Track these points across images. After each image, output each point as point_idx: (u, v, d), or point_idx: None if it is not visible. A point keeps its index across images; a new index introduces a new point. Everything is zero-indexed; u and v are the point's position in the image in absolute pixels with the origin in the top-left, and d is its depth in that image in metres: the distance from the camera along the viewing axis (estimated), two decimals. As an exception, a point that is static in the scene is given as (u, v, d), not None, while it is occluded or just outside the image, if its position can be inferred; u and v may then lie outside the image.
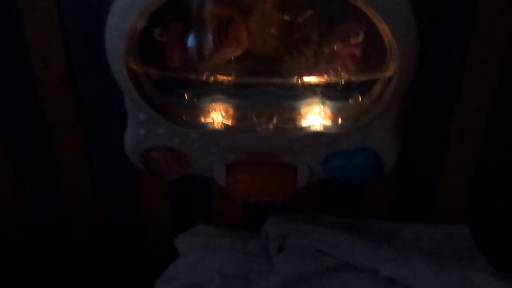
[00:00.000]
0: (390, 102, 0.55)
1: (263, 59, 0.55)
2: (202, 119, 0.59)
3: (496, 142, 0.74)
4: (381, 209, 0.81)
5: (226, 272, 0.75)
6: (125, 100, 0.59)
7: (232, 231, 0.83)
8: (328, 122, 0.58)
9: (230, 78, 0.56)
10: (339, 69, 0.54)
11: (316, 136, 0.58)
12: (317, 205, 0.82)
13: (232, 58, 0.54)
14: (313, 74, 0.55)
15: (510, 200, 0.79)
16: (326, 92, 0.57)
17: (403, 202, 0.81)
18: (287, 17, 0.52)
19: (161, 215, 0.83)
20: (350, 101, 0.57)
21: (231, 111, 0.59)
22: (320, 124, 0.58)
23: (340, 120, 0.58)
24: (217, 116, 0.59)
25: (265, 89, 0.57)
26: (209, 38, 0.52)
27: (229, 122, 0.59)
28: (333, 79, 0.55)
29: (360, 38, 0.52)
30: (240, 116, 0.59)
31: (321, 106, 0.58)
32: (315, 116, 0.59)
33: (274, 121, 0.58)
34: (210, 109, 0.59)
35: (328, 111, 0.58)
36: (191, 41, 0.53)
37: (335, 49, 0.53)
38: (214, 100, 0.58)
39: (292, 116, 0.59)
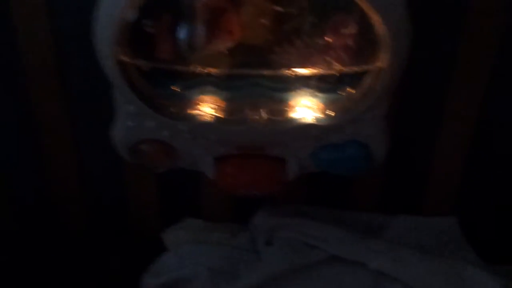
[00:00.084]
0: (381, 94, 0.55)
1: (254, 51, 0.54)
2: (192, 112, 0.58)
3: (485, 135, 0.74)
4: (370, 202, 0.82)
5: (214, 266, 0.74)
6: (113, 92, 0.58)
7: (220, 225, 0.83)
8: (319, 114, 0.58)
9: (220, 70, 0.55)
10: (331, 60, 0.54)
11: (306, 128, 0.58)
12: (306, 198, 0.82)
13: (224, 50, 0.54)
14: (304, 66, 0.55)
15: (498, 192, 0.79)
16: (317, 84, 0.57)
17: (392, 195, 0.81)
18: (278, 8, 0.52)
19: (149, 209, 0.83)
20: (341, 93, 0.57)
21: (221, 103, 0.59)
22: (311, 116, 0.58)
23: (330, 112, 0.58)
24: (207, 108, 0.58)
25: (256, 81, 0.57)
26: (201, 29, 0.52)
27: (219, 115, 0.58)
28: (324, 71, 0.55)
29: (352, 29, 0.52)
30: (230, 109, 0.59)
31: (312, 98, 0.58)
32: (306, 108, 0.59)
33: (264, 113, 0.58)
34: (199, 102, 0.58)
35: (319, 103, 0.58)
36: (182, 32, 0.53)
37: (327, 40, 0.53)
38: (204, 92, 0.58)
39: (282, 108, 0.59)
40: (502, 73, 0.68)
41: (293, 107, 0.59)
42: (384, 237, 0.77)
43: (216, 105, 0.59)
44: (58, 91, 0.71)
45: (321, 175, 0.67)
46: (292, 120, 0.58)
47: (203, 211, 0.83)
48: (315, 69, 0.55)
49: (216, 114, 0.58)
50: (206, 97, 0.58)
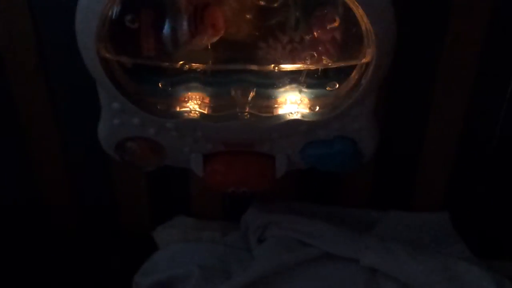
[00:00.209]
0: (367, 89, 0.54)
1: (239, 46, 0.54)
2: (178, 109, 0.58)
3: (474, 129, 0.74)
4: (361, 198, 0.81)
5: (206, 264, 0.74)
6: (97, 89, 0.58)
7: (211, 223, 0.82)
8: (305, 110, 0.58)
9: (205, 66, 0.55)
10: (316, 55, 0.54)
11: (293, 124, 0.58)
12: (296, 195, 0.81)
13: (208, 45, 0.53)
14: (289, 61, 0.54)
15: (489, 186, 0.79)
16: (303, 80, 0.57)
17: (383, 191, 0.81)
18: (262, 2, 0.51)
19: (139, 207, 0.83)
20: (328, 88, 0.57)
21: (207, 99, 0.58)
22: (297, 112, 0.58)
23: (317, 108, 0.58)
24: (193, 105, 0.58)
25: (242, 77, 0.56)
26: (184, 24, 0.51)
27: (205, 111, 0.58)
28: (310, 66, 0.54)
29: (337, 24, 0.52)
30: (216, 105, 0.58)
31: (298, 93, 0.58)
32: (293, 104, 0.58)
33: (250, 109, 0.57)
34: (185, 98, 0.58)
35: (305, 99, 0.58)
36: (165, 27, 0.52)
37: (312, 35, 0.53)
38: (189, 89, 0.57)
39: (269, 104, 0.58)
40: (489, 65, 0.68)
41: (280, 103, 0.58)
42: (376, 233, 0.77)
43: (202, 101, 0.58)
44: (43, 90, 0.71)
45: (310, 172, 0.67)
46: (279, 117, 0.58)
47: (193, 209, 0.83)
48: (300, 64, 0.54)
49: (203, 111, 0.58)
50: (192, 94, 0.58)
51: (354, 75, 0.55)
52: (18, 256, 0.80)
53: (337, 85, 0.56)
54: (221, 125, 0.58)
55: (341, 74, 0.56)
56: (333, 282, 0.71)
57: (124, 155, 0.64)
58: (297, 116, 0.58)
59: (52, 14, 0.65)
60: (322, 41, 0.53)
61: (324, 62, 0.54)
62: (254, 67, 0.55)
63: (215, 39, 0.53)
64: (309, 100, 0.58)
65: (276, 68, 0.54)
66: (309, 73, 0.56)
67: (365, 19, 0.49)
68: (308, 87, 0.57)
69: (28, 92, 0.71)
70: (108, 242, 0.84)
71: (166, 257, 0.77)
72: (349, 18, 0.51)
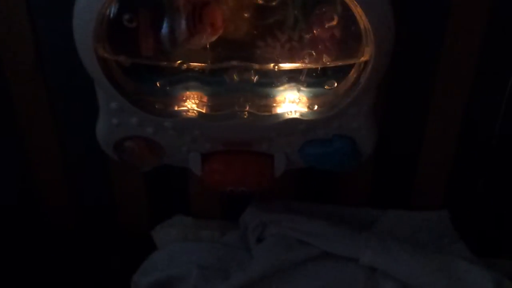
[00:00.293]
0: (366, 87, 0.54)
1: (237, 45, 0.54)
2: (176, 108, 0.58)
3: (474, 128, 0.74)
4: (360, 197, 0.81)
5: (205, 264, 0.74)
6: (96, 89, 0.58)
7: (210, 222, 0.82)
8: (304, 109, 0.58)
9: (203, 65, 0.55)
10: (314, 54, 0.53)
11: (292, 123, 0.58)
12: (295, 194, 0.81)
13: (207, 45, 0.53)
14: (288, 60, 0.54)
15: (489, 185, 0.79)
16: (301, 79, 0.56)
17: (382, 189, 0.80)
18: (260, 1, 0.51)
19: (137, 206, 0.82)
20: (326, 87, 0.57)
21: (205, 99, 0.58)
22: (296, 110, 0.58)
23: (316, 107, 0.58)
24: (191, 104, 0.58)
25: (240, 76, 0.56)
26: (183, 23, 0.51)
27: (204, 110, 0.58)
28: (309, 65, 0.54)
29: (335, 22, 0.52)
30: (214, 104, 0.58)
31: (297, 92, 0.57)
32: (291, 103, 0.58)
33: (249, 108, 0.57)
34: (183, 97, 0.58)
35: (304, 98, 0.58)
36: (163, 27, 0.52)
37: (310, 34, 0.53)
38: (187, 88, 0.57)
39: (267, 103, 0.58)
40: (488, 65, 0.68)
41: (278, 102, 0.58)
42: (375, 232, 0.77)
43: (201, 100, 0.58)
44: (41, 89, 0.71)
45: (309, 171, 0.67)
46: (277, 115, 0.58)
47: (192, 208, 0.82)
48: (298, 63, 0.54)
49: (201, 110, 0.58)
50: (190, 93, 0.58)
51: (353, 73, 0.55)
52: (17, 257, 0.80)
53: (336, 84, 0.56)
54: (220, 124, 0.58)
55: (339, 72, 0.56)
56: (333, 281, 0.71)
57: (123, 154, 0.63)
58: (295, 115, 0.57)
59: (50, 13, 0.65)
60: (321, 39, 0.53)
61: (323, 61, 0.54)
62: (252, 67, 0.55)
63: (214, 38, 0.52)
64: (308, 99, 0.58)
65: (276, 67, 0.54)
66: (307, 72, 0.56)
67: (364, 17, 0.49)
68: (306, 85, 0.57)
69: (26, 92, 0.71)
70: (107, 241, 0.84)
71: (165, 256, 0.76)
72: (347, 17, 0.51)
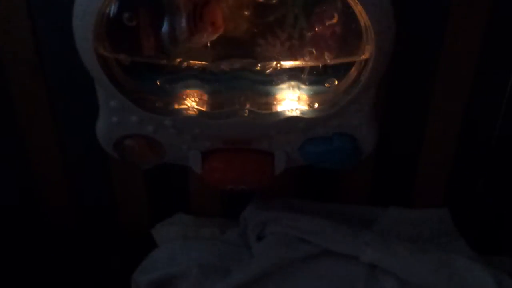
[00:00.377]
0: (366, 85, 0.54)
1: (238, 43, 0.54)
2: (176, 106, 0.58)
3: (474, 126, 0.74)
4: (360, 195, 0.81)
5: (205, 262, 0.74)
6: (96, 87, 0.58)
7: (210, 220, 0.82)
8: (304, 107, 0.58)
9: (203, 63, 0.55)
10: (315, 52, 0.53)
11: (292, 121, 0.58)
12: (295, 192, 0.81)
13: (207, 43, 0.53)
14: (288, 58, 0.54)
15: (489, 183, 0.79)
16: (302, 77, 0.57)
17: (382, 187, 0.80)
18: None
19: (137, 205, 0.82)
20: (327, 85, 0.57)
21: (205, 97, 0.58)
22: (296, 109, 0.58)
23: (316, 105, 0.58)
24: (191, 102, 0.58)
25: (240, 74, 0.56)
26: (183, 22, 0.51)
27: (204, 108, 0.58)
28: (309, 63, 0.54)
29: (335, 20, 0.52)
30: (214, 102, 0.58)
31: (297, 90, 0.58)
32: (292, 101, 0.58)
33: (249, 106, 0.57)
34: (183, 96, 0.58)
35: (304, 96, 0.58)
36: (164, 25, 0.52)
37: (311, 32, 0.53)
38: (187, 86, 0.57)
39: (268, 101, 0.58)
40: (488, 64, 0.68)
41: (278, 100, 0.58)
42: (375, 229, 0.77)
43: (201, 99, 0.58)
44: (41, 88, 0.71)
45: (309, 169, 0.66)
46: (277, 113, 0.58)
47: (192, 206, 0.82)
48: (299, 61, 0.54)
49: (201, 108, 0.58)
50: (190, 91, 0.58)
51: (353, 71, 0.55)
52: (17, 256, 0.80)
53: (336, 82, 0.56)
54: (220, 123, 0.58)
55: (340, 70, 0.56)
56: (333, 279, 0.71)
57: (123, 153, 0.63)
58: (296, 113, 0.57)
59: (50, 12, 0.65)
60: (321, 38, 0.53)
61: (323, 59, 0.54)
62: (252, 65, 0.55)
63: (214, 36, 0.52)
64: (308, 97, 0.58)
65: (279, 65, 0.54)
66: (307, 70, 0.56)
67: (364, 15, 0.49)
68: (307, 84, 0.57)
69: (26, 91, 0.71)
70: (107, 241, 0.84)
71: (165, 255, 0.76)
72: (348, 15, 0.51)
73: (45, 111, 0.73)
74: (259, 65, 0.54)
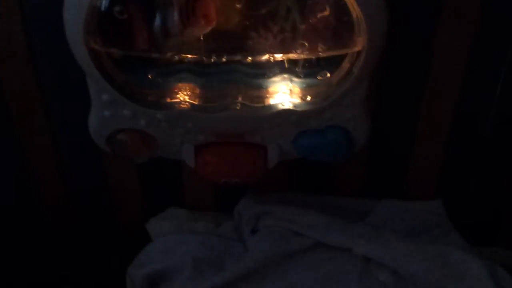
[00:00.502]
0: (359, 77, 0.54)
1: (230, 37, 0.54)
2: (168, 100, 0.57)
3: (468, 118, 0.74)
4: (354, 187, 0.81)
5: (199, 255, 0.74)
6: (87, 82, 0.57)
7: (204, 214, 0.82)
8: (297, 100, 0.58)
9: (195, 57, 0.54)
10: (307, 45, 0.53)
11: (285, 114, 0.58)
12: (289, 185, 0.81)
13: (200, 36, 0.53)
14: (280, 51, 0.54)
15: (482, 175, 0.79)
16: (294, 69, 0.56)
17: (376, 180, 0.81)
18: (253, -9, 0.51)
19: (131, 199, 0.82)
20: (319, 77, 0.56)
21: (197, 90, 0.58)
22: (289, 101, 0.58)
23: (309, 97, 0.58)
24: (184, 96, 0.58)
25: (233, 67, 0.56)
26: (176, 15, 0.51)
27: (196, 102, 0.58)
28: (301, 56, 0.54)
29: (327, 12, 0.51)
30: (207, 96, 0.58)
31: (290, 83, 0.57)
32: (284, 94, 0.58)
33: (242, 99, 0.57)
34: (176, 89, 0.58)
35: (296, 88, 0.58)
36: (156, 19, 0.51)
37: (302, 24, 0.52)
38: (180, 80, 0.57)
39: (260, 94, 0.58)
40: (482, 57, 0.68)
41: (271, 93, 0.58)
42: (369, 222, 0.77)
43: (193, 92, 0.58)
44: (33, 84, 0.70)
45: (303, 162, 0.66)
46: (270, 107, 0.58)
47: (186, 200, 0.82)
48: (291, 54, 0.54)
49: (193, 102, 0.58)
50: (182, 85, 0.57)
51: (346, 64, 0.55)
52: (15, 257, 0.80)
53: (329, 74, 0.56)
54: (212, 116, 0.58)
55: (332, 63, 0.55)
56: (327, 271, 0.71)
57: (116, 147, 0.63)
58: (288, 106, 0.57)
59: (40, 8, 0.64)
60: (313, 30, 0.53)
61: (316, 51, 0.54)
62: (244, 58, 0.54)
63: (207, 30, 0.52)
64: (301, 89, 0.58)
65: (272, 58, 0.54)
66: (300, 63, 0.56)
67: (356, 7, 0.49)
68: (299, 76, 0.57)
69: (19, 90, 0.71)
70: (100, 235, 0.84)
71: (159, 248, 0.76)
72: (340, 7, 0.50)
73: (38, 107, 0.72)
74: (251, 57, 0.54)
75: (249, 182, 0.75)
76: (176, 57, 0.54)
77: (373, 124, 0.63)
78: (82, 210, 0.84)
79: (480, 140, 0.76)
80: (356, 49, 0.53)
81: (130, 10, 0.51)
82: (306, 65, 0.56)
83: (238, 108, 0.57)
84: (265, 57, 0.54)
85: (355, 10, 0.50)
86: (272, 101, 0.58)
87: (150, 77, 0.56)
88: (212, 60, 0.54)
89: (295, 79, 0.57)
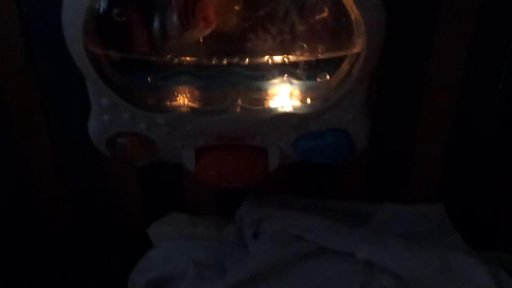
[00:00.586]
0: (358, 79, 0.54)
1: (229, 39, 0.54)
2: (168, 103, 0.57)
3: (468, 120, 0.73)
4: (355, 191, 0.81)
5: (201, 261, 0.73)
6: (87, 85, 0.57)
7: (205, 218, 0.82)
8: (297, 102, 0.58)
9: (195, 59, 0.54)
10: (306, 47, 0.53)
11: (285, 117, 0.57)
12: (290, 188, 0.81)
13: (199, 38, 0.53)
14: (279, 53, 0.54)
15: (484, 178, 0.79)
16: (293, 72, 0.56)
17: (377, 183, 0.80)
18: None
19: (131, 200, 0.82)
20: (318, 80, 0.57)
21: (197, 93, 0.58)
22: (288, 104, 0.58)
23: (309, 100, 0.57)
24: (183, 99, 0.58)
25: (232, 69, 0.56)
26: (175, 18, 0.51)
27: (196, 105, 0.58)
28: (300, 57, 0.54)
29: (326, 14, 0.52)
30: (206, 99, 0.58)
31: (289, 85, 0.57)
32: (284, 97, 0.58)
33: (241, 102, 0.57)
34: (175, 92, 0.58)
35: (296, 91, 0.58)
36: (155, 21, 0.52)
37: (301, 26, 0.52)
38: (179, 83, 0.57)
39: (260, 96, 0.58)
40: (481, 57, 0.68)
41: (270, 95, 0.58)
42: (370, 226, 0.77)
43: (193, 95, 0.58)
44: (32, 84, 0.70)
45: (304, 165, 0.66)
46: (270, 109, 0.58)
47: (187, 205, 0.82)
48: (290, 56, 0.54)
49: (193, 105, 0.58)
50: (182, 88, 0.57)
51: (345, 65, 0.55)
52: (15, 257, 0.80)
53: (328, 77, 0.56)
54: (212, 119, 0.58)
55: (331, 65, 0.56)
56: (329, 276, 0.71)
57: (116, 150, 0.63)
58: (288, 109, 0.57)
59: (40, 9, 0.64)
60: (312, 32, 0.53)
61: (315, 53, 0.54)
62: (243, 60, 0.54)
63: (207, 32, 0.52)
64: (300, 92, 0.58)
65: (270, 60, 0.54)
66: (299, 65, 0.56)
67: (354, 9, 0.49)
68: (298, 78, 0.57)
69: (18, 86, 0.71)
70: (103, 240, 0.84)
71: (161, 254, 0.76)
72: (338, 9, 0.51)
73: (37, 110, 0.73)
74: (250, 59, 0.54)
75: (250, 185, 0.75)
76: (176, 60, 0.54)
77: (373, 127, 0.63)
78: (81, 211, 0.84)
79: (480, 140, 0.75)
80: (355, 50, 0.53)
81: (129, 12, 0.51)
82: (306, 67, 0.56)
83: (238, 110, 0.57)
84: (264, 59, 0.54)
85: (353, 12, 0.50)
86: (272, 103, 0.58)
87: (149, 80, 0.56)
88: (212, 63, 0.54)
89: (294, 81, 0.57)
